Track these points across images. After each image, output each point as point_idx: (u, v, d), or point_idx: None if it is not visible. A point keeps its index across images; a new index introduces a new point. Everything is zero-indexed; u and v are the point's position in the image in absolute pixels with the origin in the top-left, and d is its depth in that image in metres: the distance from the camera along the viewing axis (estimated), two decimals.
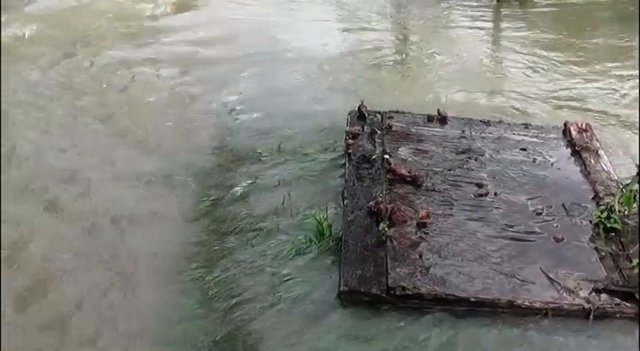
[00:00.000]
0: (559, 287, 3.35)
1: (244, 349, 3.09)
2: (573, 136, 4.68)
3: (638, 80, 5.81)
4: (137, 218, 4.02)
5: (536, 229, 3.77)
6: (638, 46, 6.35)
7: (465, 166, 4.34)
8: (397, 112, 4.98)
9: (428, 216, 3.78)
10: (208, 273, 3.57)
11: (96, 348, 3.11)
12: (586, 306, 3.24)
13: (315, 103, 5.52)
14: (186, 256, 3.73)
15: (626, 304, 3.26)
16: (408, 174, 4.12)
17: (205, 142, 4.94)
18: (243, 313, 3.28)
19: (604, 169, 4.32)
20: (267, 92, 5.76)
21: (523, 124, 4.98)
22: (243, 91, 5.77)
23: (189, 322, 3.26)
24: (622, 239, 3.66)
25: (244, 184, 4.31)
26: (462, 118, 4.98)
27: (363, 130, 4.68)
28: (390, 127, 4.75)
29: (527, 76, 6.24)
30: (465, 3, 8.21)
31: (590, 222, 3.82)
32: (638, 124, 4.92)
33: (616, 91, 5.85)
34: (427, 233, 3.68)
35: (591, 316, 3.21)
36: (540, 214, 3.91)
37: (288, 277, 3.48)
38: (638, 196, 3.74)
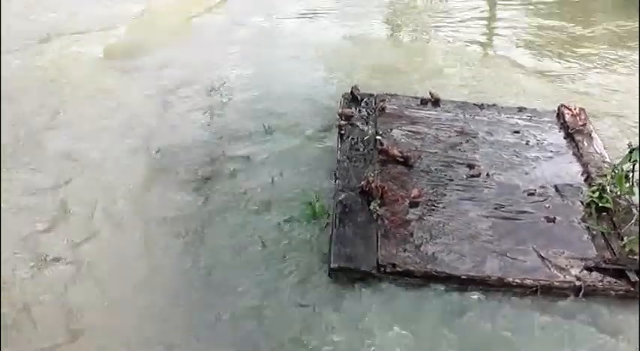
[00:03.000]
0: (550, 265, 3.35)
1: (234, 327, 3.08)
2: (567, 120, 4.65)
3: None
4: None
5: (528, 209, 3.76)
6: (638, 41, 6.29)
7: (457, 148, 4.32)
8: (391, 94, 4.96)
9: (420, 195, 3.78)
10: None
11: None
12: (577, 283, 3.24)
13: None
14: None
15: (616, 281, 3.27)
16: (399, 154, 4.10)
17: None
18: (234, 290, 3.28)
19: (597, 152, 4.30)
20: None
21: (517, 107, 4.95)
22: None
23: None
24: (613, 218, 3.66)
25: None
26: (456, 101, 4.95)
27: (357, 112, 4.66)
28: (384, 109, 4.71)
29: None
30: None
31: (582, 202, 3.82)
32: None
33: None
34: (419, 212, 3.68)
35: (581, 294, 3.22)
36: (532, 194, 3.90)
37: (279, 255, 3.48)
38: (638, 174, 3.72)
